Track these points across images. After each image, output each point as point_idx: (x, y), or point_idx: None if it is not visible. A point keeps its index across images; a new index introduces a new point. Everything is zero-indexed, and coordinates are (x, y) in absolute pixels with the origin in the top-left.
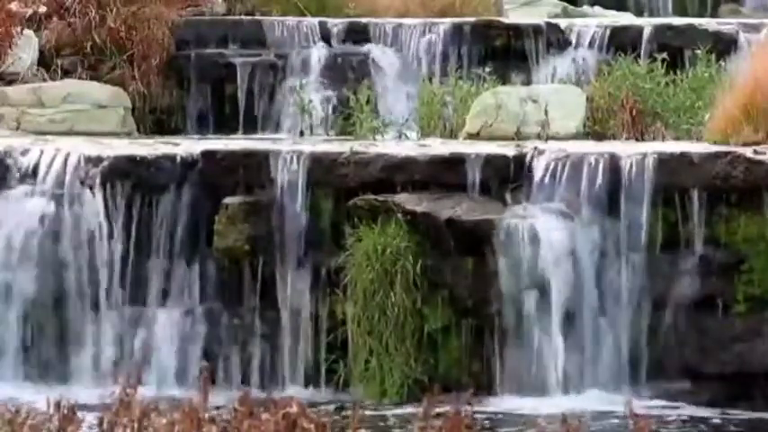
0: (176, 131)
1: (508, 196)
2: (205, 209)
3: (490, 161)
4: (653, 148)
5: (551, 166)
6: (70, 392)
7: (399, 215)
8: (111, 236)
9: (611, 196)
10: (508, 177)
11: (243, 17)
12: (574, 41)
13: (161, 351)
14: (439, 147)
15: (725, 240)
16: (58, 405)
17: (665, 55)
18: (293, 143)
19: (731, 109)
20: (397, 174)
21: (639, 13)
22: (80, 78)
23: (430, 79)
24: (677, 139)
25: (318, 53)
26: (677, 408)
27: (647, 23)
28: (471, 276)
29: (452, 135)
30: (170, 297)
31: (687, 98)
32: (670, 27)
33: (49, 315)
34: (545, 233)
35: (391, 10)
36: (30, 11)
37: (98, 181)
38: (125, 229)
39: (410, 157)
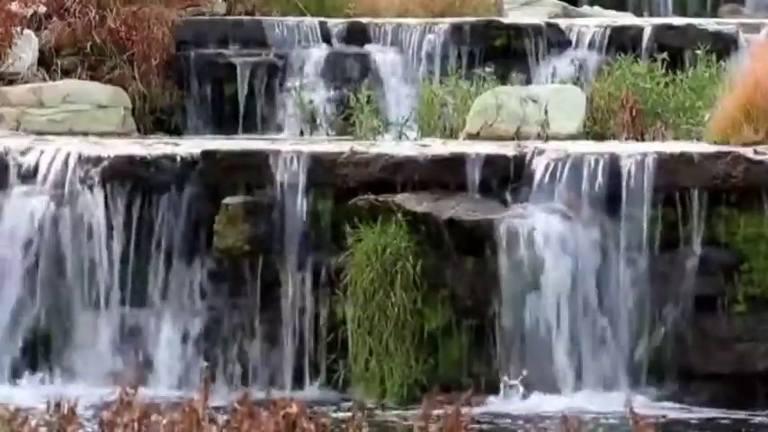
0: (176, 131)
1: (508, 196)
2: (205, 209)
3: (490, 161)
4: (653, 148)
5: (551, 166)
6: (70, 392)
7: (399, 215)
8: (111, 236)
9: (611, 196)
10: (508, 177)
11: (243, 17)
12: (574, 41)
13: (161, 351)
14: (439, 147)
15: (725, 240)
16: (57, 405)
17: (665, 55)
18: (293, 143)
19: (731, 109)
20: (397, 174)
21: (639, 13)
22: (80, 78)
23: (430, 79)
24: (677, 139)
25: (318, 53)
26: (677, 408)
27: (647, 23)
28: (471, 276)
29: (452, 135)
30: (170, 297)
31: (687, 98)
32: (670, 27)
33: (50, 315)
34: (545, 233)
35: (391, 10)
36: (30, 11)
37: (98, 181)
38: (125, 229)
39: (410, 157)
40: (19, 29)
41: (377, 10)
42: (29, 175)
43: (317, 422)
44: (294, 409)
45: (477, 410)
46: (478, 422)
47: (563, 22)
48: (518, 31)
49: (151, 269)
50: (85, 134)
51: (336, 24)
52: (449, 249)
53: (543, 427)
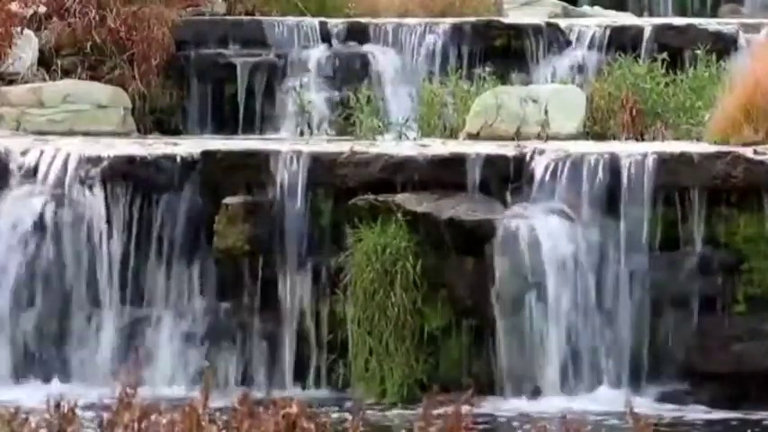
0: (176, 131)
1: (508, 196)
2: (205, 209)
3: (490, 161)
4: (653, 148)
5: (551, 166)
6: (70, 392)
7: (399, 215)
8: (111, 236)
9: (611, 196)
10: (508, 177)
11: (243, 17)
12: (574, 41)
13: (161, 351)
14: (439, 147)
15: (725, 240)
16: (57, 405)
17: (665, 55)
18: (293, 143)
19: (731, 109)
20: (397, 174)
21: (639, 13)
22: (80, 78)
23: (430, 79)
24: (677, 139)
25: (318, 53)
26: (677, 408)
27: (647, 23)
28: (471, 276)
29: (452, 135)
30: (170, 297)
31: (687, 98)
32: (670, 27)
33: (50, 315)
34: (545, 233)
35: (391, 10)
36: (30, 11)
37: (98, 181)
38: (125, 229)
39: (410, 157)
40: (19, 29)
41: (377, 10)
42: (29, 175)
43: (317, 422)
44: (294, 409)
45: (476, 410)
46: (478, 422)
47: (563, 22)
48: (518, 31)
49: (151, 269)
50: (85, 134)
51: (336, 24)
52: (449, 249)
53: (543, 427)
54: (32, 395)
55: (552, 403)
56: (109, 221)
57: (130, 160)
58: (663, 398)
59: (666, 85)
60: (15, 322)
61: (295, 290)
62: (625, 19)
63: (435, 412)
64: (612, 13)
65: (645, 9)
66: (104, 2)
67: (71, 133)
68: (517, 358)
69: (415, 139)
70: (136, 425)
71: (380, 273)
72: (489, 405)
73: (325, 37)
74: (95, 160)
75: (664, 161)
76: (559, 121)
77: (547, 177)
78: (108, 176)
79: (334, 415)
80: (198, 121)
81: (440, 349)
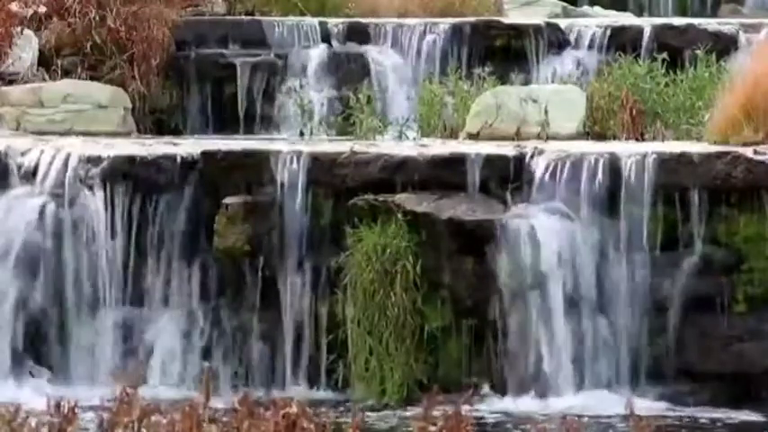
0: (176, 131)
1: (508, 196)
2: (205, 209)
3: (490, 161)
4: (653, 148)
5: (551, 166)
6: (70, 392)
7: (399, 215)
8: (110, 236)
9: (611, 196)
10: (508, 177)
11: (243, 17)
12: (574, 41)
13: (161, 351)
14: (439, 147)
15: (725, 240)
16: (57, 405)
17: (665, 55)
18: (293, 143)
19: (731, 109)
20: (397, 174)
21: (639, 13)
22: (80, 78)
23: (430, 79)
24: (677, 139)
25: (318, 53)
26: (677, 408)
27: (647, 23)
28: (471, 276)
29: (452, 135)
30: (170, 297)
31: (687, 98)
32: (670, 27)
33: (49, 315)
34: (545, 233)
35: (391, 10)
36: (30, 11)
37: (98, 181)
38: (125, 229)
39: (410, 157)
40: (19, 29)
41: (377, 10)
42: (29, 175)
43: (316, 422)
44: (294, 409)
45: (476, 410)
46: (478, 423)
47: (563, 22)
48: (518, 31)
49: (151, 269)
50: (85, 134)
51: (336, 24)
52: (449, 249)
53: (543, 428)
54: (32, 395)
55: (552, 403)
56: (109, 221)
57: (130, 160)
58: (663, 398)
59: (666, 85)
60: (15, 321)
61: (295, 290)
62: (625, 19)
63: (435, 412)
64: (612, 13)
65: (645, 9)
66: (104, 2)
67: (71, 133)
68: (517, 358)
69: (415, 139)
70: (136, 425)
71: (380, 273)
72: (489, 405)
73: (325, 37)
74: (95, 160)
75: (664, 161)
76: (559, 121)
77: (547, 177)
78: (108, 176)
79: (334, 415)
80: (198, 121)
81: (440, 349)
